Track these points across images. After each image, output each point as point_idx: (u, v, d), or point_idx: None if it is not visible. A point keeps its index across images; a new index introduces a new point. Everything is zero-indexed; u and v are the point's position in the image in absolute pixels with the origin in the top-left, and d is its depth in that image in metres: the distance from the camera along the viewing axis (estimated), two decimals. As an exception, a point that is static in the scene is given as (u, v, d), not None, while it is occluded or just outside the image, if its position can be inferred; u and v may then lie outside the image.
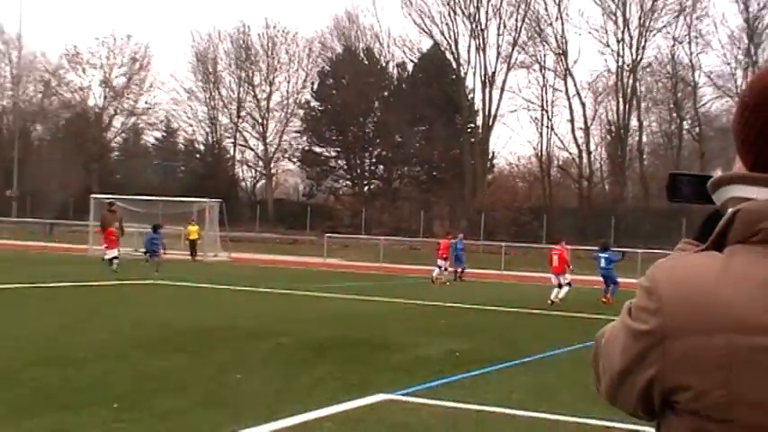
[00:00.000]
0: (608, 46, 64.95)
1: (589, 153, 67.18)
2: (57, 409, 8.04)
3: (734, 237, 1.30)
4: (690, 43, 63.24)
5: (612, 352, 1.37)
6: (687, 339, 1.25)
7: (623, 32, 64.23)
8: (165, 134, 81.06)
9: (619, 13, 64.27)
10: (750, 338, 1.21)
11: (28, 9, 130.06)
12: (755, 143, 1.34)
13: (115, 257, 28.39)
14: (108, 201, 34.40)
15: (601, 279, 25.34)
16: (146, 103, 78.15)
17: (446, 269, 32.23)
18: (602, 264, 24.93)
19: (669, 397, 1.29)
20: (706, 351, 1.23)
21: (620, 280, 24.80)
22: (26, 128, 75.82)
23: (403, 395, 9.49)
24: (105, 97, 77.92)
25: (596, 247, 26.51)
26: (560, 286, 23.57)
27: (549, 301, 22.98)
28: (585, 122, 66.54)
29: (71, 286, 22.85)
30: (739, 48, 61.85)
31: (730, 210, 1.32)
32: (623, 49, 64.36)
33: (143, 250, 30.35)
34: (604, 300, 24.29)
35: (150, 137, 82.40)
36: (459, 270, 33.62)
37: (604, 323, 1.46)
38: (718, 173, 1.40)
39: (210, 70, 75.73)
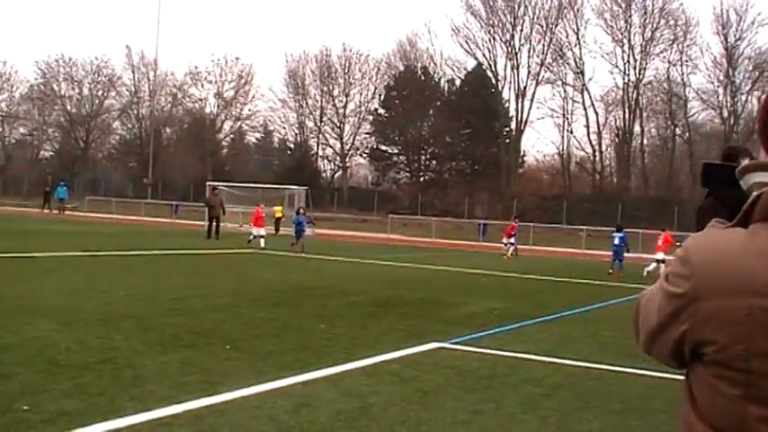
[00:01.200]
0: (617, 67, 64.46)
1: (601, 152, 66.71)
2: (183, 348, 8.17)
3: (757, 216, 1.25)
4: (682, 65, 62.68)
5: (651, 310, 1.34)
6: (714, 301, 1.22)
7: (629, 56, 63.67)
8: (263, 135, 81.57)
9: (625, 41, 63.76)
10: (765, 301, 1.18)
11: (162, 36, 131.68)
12: None
13: (262, 236, 27.24)
14: (212, 186, 34.97)
15: (611, 254, 24.98)
16: (249, 110, 78.87)
17: (513, 245, 31.88)
18: (616, 242, 24.47)
19: (698, 349, 1.26)
20: (729, 311, 1.20)
21: (625, 255, 24.44)
22: (159, 130, 76.89)
23: (452, 344, 9.47)
24: (218, 106, 78.72)
25: (613, 229, 26.02)
26: (661, 262, 22.34)
27: (645, 273, 22.37)
28: (598, 128, 66.04)
29: (192, 254, 23.18)
30: (720, 70, 61.21)
31: (754, 193, 1.28)
32: (629, 70, 63.83)
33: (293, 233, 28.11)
34: (610, 272, 23.81)
35: (252, 137, 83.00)
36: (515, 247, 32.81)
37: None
38: (745, 162, 1.35)
39: (300, 84, 75.92)
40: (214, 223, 30.68)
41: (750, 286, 1.19)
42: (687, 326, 1.26)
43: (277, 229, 40.12)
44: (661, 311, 1.30)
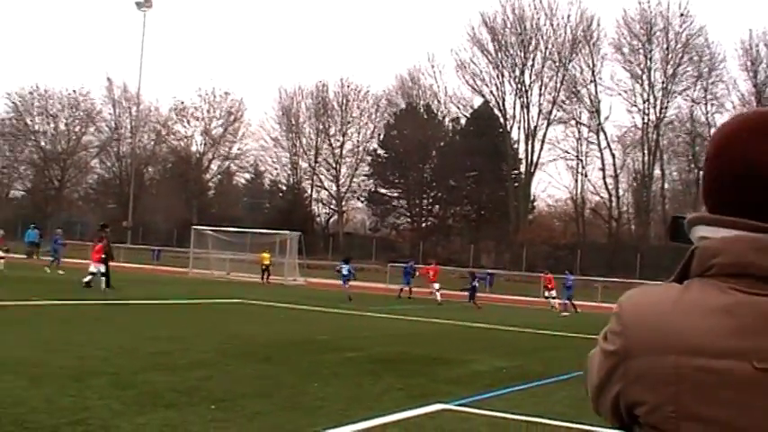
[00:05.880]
0: (635, 105, 64.81)
1: (618, 197, 66.69)
2: (164, 408, 8.08)
3: (693, 271, 1.30)
4: (706, 104, 62.95)
5: (592, 369, 1.38)
6: (643, 359, 1.25)
7: (648, 94, 64.02)
8: (253, 176, 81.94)
9: (645, 78, 64.10)
10: (695, 360, 1.21)
11: (145, 68, 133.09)
12: (712, 188, 1.35)
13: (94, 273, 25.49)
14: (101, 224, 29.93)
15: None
16: (238, 149, 79.39)
17: (555, 298, 32.70)
18: None
19: (631, 411, 1.29)
20: (658, 370, 1.23)
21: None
22: (140, 170, 77.16)
23: (457, 405, 9.37)
24: (205, 144, 79.20)
25: (632, 280, 26.19)
26: None
27: None
28: (615, 171, 66.10)
29: (175, 304, 23.10)
30: (749, 109, 61.22)
31: (691, 247, 1.33)
32: (648, 109, 64.15)
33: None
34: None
35: (241, 178, 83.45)
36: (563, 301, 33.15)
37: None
38: (690, 215, 1.40)
39: (293, 122, 76.41)
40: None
41: (678, 343, 1.23)
42: (620, 385, 1.29)
43: (264, 277, 40.06)
44: (600, 370, 1.34)
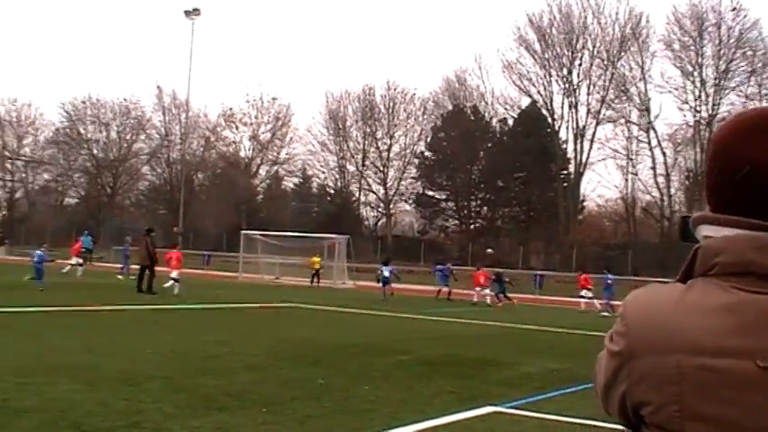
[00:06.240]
0: (686, 103, 63.66)
1: (669, 196, 65.69)
2: (216, 411, 8.16)
3: (696, 271, 1.32)
4: (760, 100, 61.38)
5: (599, 369, 1.40)
6: (647, 359, 1.26)
7: (700, 91, 62.88)
8: (301, 180, 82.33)
9: (696, 74, 62.99)
10: (696, 359, 1.21)
11: (194, 75, 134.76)
12: (714, 187, 1.36)
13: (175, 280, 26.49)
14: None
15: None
16: (286, 154, 79.81)
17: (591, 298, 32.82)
18: None
19: (637, 411, 1.30)
20: (661, 369, 1.24)
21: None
22: (190, 176, 78.02)
23: (508, 407, 9.33)
24: (253, 149, 79.86)
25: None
26: None
27: None
28: (666, 170, 65.10)
29: (226, 307, 23.32)
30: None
31: (694, 247, 1.35)
32: (700, 106, 62.97)
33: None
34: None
35: (289, 182, 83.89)
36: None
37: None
38: (696, 214, 1.41)
39: (340, 126, 76.64)
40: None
41: (680, 343, 1.24)
42: (626, 386, 1.30)
43: (314, 281, 40.28)
44: (606, 371, 1.36)
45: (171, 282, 26.70)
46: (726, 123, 1.38)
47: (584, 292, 33.22)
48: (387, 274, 32.04)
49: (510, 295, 31.85)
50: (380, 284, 31.92)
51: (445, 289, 34.22)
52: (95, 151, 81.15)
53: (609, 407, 1.39)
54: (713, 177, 1.37)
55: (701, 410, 1.20)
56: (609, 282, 32.17)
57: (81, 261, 34.52)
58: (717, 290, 1.26)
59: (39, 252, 27.01)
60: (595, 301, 32.45)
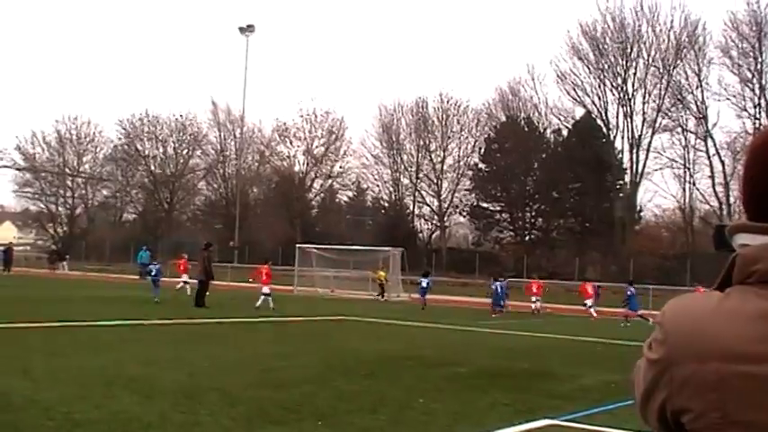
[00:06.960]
0: (745, 110, 62.37)
1: (729, 206, 64.31)
2: (272, 424, 8.22)
3: (734, 279, 1.32)
4: (823, 106, 60.24)
5: (638, 378, 1.40)
6: (686, 366, 1.27)
7: (759, 98, 61.60)
8: (355, 193, 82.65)
9: (755, 81, 61.78)
10: (736, 366, 1.21)
11: (248, 91, 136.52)
12: (752, 197, 1.36)
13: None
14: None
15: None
16: (340, 167, 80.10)
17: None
18: None
19: (677, 418, 1.29)
20: (701, 377, 1.24)
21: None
22: (245, 190, 78.89)
23: (565, 420, 9.23)
24: (307, 164, 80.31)
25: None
26: None
27: None
28: (725, 179, 63.84)
29: (279, 320, 23.49)
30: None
31: (732, 255, 1.35)
32: (760, 113, 61.65)
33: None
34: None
35: (344, 196, 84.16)
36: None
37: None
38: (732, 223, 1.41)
39: (394, 139, 76.77)
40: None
41: (718, 350, 1.24)
42: (665, 393, 1.31)
43: (381, 294, 40.37)
44: (645, 380, 1.37)
45: (262, 297, 27.39)
46: (762, 132, 1.38)
47: (588, 302, 33.53)
48: (424, 284, 33.99)
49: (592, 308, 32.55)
50: (420, 296, 33.96)
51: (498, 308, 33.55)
52: (152, 167, 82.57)
53: (648, 416, 1.39)
54: (750, 186, 1.37)
55: (743, 417, 1.20)
56: (629, 294, 31.73)
57: (187, 279, 33.98)
58: (755, 298, 1.27)
59: (155, 266, 29.77)
60: (592, 309, 32.89)
